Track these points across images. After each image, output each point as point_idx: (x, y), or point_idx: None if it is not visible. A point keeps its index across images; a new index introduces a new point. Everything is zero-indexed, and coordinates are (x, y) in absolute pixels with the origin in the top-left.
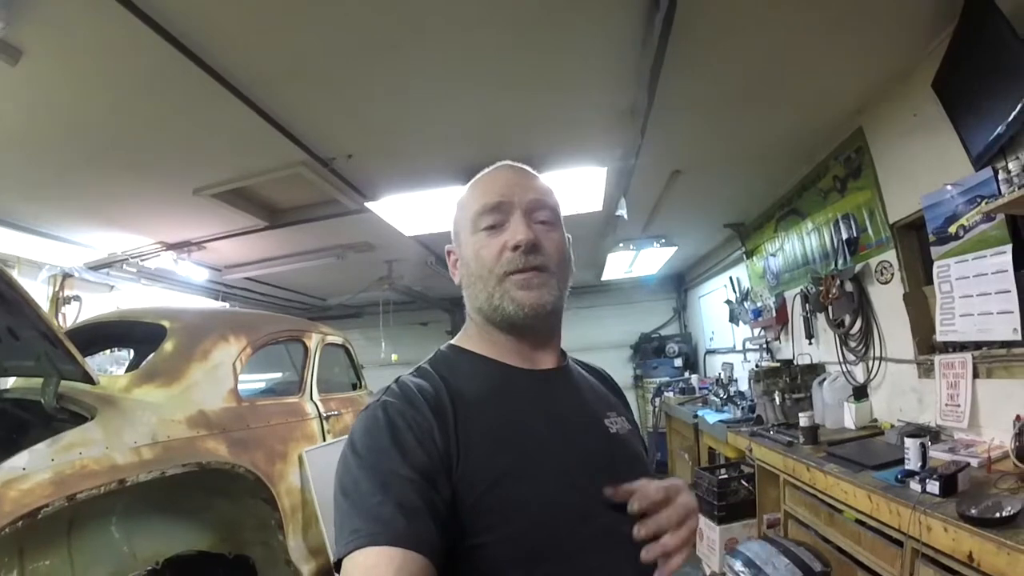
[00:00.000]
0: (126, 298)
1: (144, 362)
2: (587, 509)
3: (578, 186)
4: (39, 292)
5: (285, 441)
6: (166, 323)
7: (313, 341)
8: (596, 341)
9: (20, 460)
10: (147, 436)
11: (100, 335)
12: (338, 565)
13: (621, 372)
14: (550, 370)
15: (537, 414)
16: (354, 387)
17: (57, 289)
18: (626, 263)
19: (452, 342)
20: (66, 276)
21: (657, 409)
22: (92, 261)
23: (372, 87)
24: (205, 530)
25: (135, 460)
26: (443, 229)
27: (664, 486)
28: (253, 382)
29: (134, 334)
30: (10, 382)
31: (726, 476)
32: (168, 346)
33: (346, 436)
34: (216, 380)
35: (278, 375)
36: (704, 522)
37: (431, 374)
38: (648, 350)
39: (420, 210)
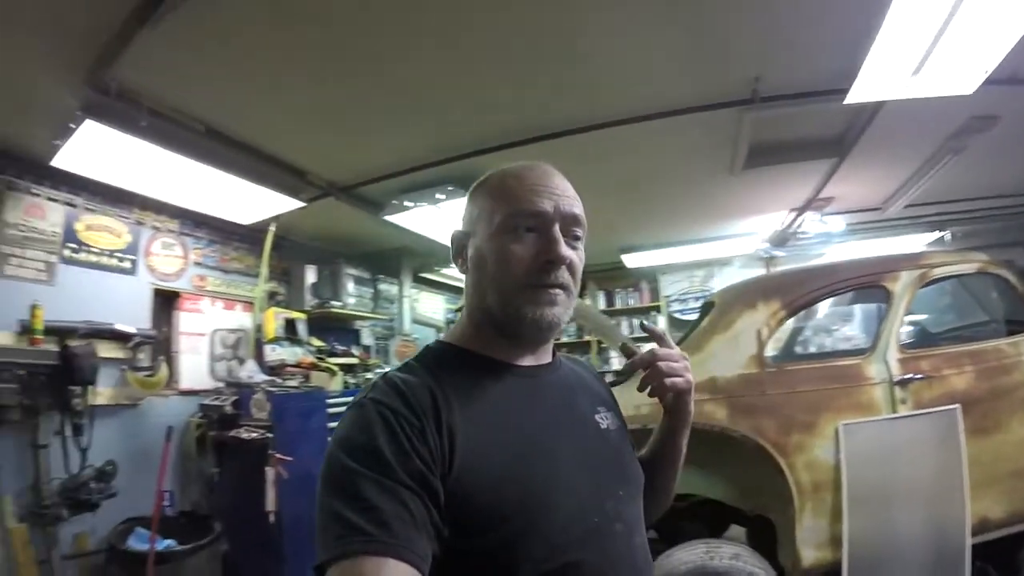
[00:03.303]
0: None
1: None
2: (582, 507)
3: None
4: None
5: (814, 410)
6: (716, 299)
7: (900, 282)
8: None
9: None
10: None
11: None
12: (320, 569)
13: None
14: (541, 366)
15: (530, 412)
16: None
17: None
18: None
19: (442, 338)
20: (771, 258)
21: None
22: (769, 237)
23: None
24: (719, 482)
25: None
26: None
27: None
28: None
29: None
30: None
31: None
32: (705, 321)
33: (936, 407)
34: (735, 349)
35: (850, 332)
36: None
37: (420, 371)
38: None
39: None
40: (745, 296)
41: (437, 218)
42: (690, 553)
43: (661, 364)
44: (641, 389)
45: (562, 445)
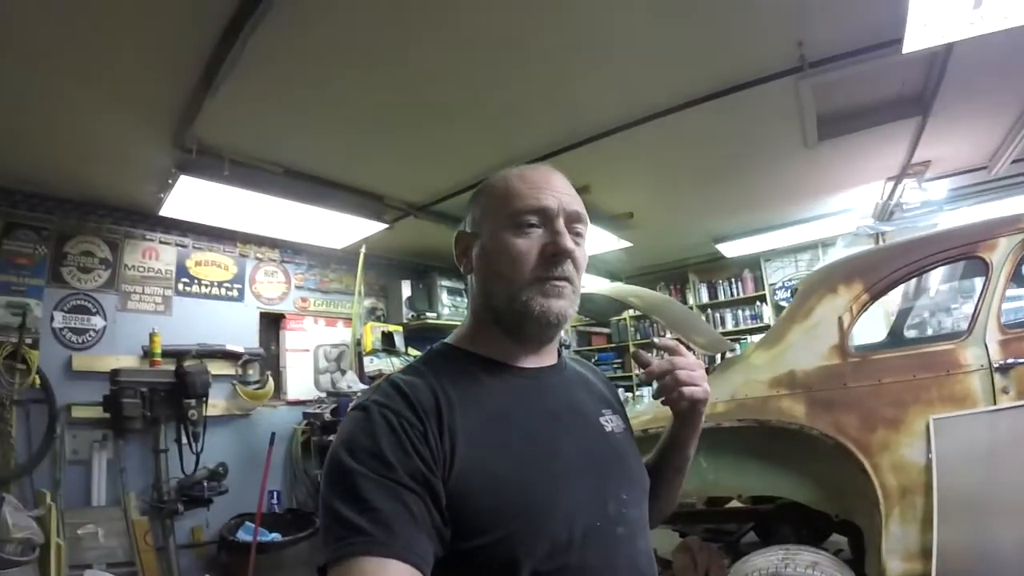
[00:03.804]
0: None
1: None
2: (583, 509)
3: None
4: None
5: (901, 403)
6: (801, 285)
7: (999, 251)
8: None
9: (640, 406)
10: (727, 394)
11: None
12: (322, 570)
13: None
14: (545, 368)
15: (533, 413)
16: None
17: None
18: None
19: (447, 340)
20: (878, 233)
21: None
22: (872, 212)
23: None
24: (802, 484)
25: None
26: None
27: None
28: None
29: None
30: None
31: None
32: (786, 309)
33: None
34: (814, 338)
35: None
36: None
37: (424, 373)
38: None
39: None
40: (826, 280)
41: None
42: (766, 559)
43: (680, 372)
44: (657, 397)
45: (564, 447)
